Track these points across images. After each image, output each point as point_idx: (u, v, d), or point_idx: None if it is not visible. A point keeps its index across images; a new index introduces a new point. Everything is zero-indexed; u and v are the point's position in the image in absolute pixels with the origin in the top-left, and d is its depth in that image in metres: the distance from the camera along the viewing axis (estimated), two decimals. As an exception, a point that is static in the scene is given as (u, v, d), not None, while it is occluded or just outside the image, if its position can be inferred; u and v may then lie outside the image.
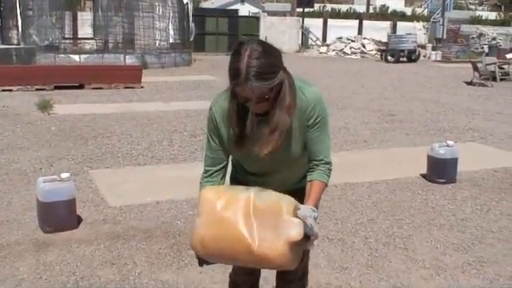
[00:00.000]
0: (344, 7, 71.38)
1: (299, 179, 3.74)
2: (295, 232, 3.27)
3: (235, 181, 3.91)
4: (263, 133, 3.37)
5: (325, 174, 3.60)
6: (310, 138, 3.53)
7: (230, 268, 4.29)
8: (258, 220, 3.30)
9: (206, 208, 3.44)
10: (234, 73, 3.14)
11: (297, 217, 3.32)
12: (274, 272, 4.19)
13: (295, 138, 3.50)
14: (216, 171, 3.69)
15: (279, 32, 48.33)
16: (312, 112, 3.45)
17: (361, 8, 63.55)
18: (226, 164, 3.73)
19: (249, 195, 3.39)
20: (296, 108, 3.38)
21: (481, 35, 51.64)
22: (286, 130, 3.37)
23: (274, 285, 4.31)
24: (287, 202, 3.38)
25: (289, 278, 4.06)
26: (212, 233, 3.38)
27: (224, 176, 3.74)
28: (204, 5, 61.36)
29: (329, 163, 3.62)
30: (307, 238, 3.31)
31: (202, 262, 3.66)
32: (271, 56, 3.18)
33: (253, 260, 3.34)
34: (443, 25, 51.51)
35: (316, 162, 3.59)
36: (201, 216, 3.46)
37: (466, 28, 54.03)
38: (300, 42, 52.12)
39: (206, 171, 3.71)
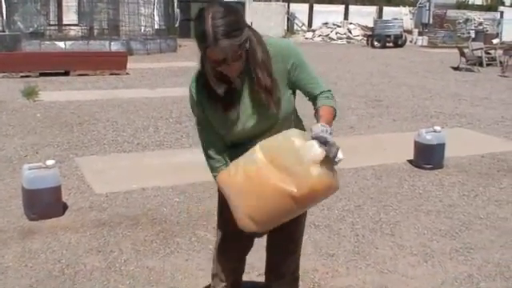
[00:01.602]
0: (330, -8, 71.36)
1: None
2: (314, 151, 3.21)
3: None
4: (253, 95, 3.43)
5: (329, 99, 3.57)
6: (299, 81, 3.54)
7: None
8: (280, 166, 3.26)
9: (231, 189, 3.44)
10: (202, 36, 3.13)
11: (311, 139, 3.26)
12: (262, 259, 4.15)
13: (282, 91, 3.49)
14: (219, 150, 3.68)
15: (265, 18, 48.24)
16: (287, 57, 3.48)
17: (347, -7, 63.52)
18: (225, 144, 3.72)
19: (257, 154, 3.36)
20: (270, 59, 3.40)
21: (467, 20, 51.70)
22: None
23: (263, 277, 4.25)
24: (292, 134, 3.36)
25: (281, 272, 4.01)
26: (252, 204, 3.35)
27: (226, 149, 3.70)
28: (190, -10, 61.18)
29: (328, 91, 3.61)
30: (330, 150, 3.24)
31: (254, 236, 3.67)
32: (234, 14, 3.19)
33: (302, 201, 3.29)
34: (429, 10, 51.67)
35: (316, 95, 3.58)
36: (230, 199, 3.45)
37: (452, 13, 54.07)
38: (286, 28, 52.10)
39: (210, 156, 3.69)
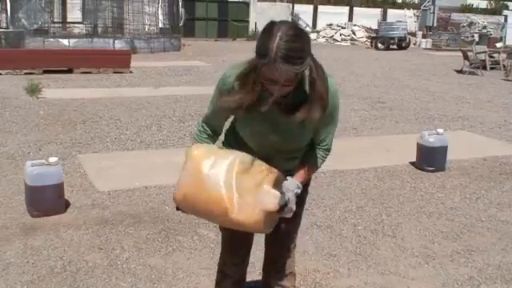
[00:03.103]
0: (334, -6, 71.31)
1: (294, 166, 3.72)
2: (272, 203, 3.36)
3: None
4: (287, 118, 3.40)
5: (321, 159, 3.68)
6: (319, 126, 3.52)
7: (218, 255, 4.26)
8: (240, 184, 3.36)
9: (193, 165, 3.50)
10: (263, 51, 3.07)
11: (279, 187, 3.43)
12: (260, 258, 4.17)
13: (309, 124, 3.47)
14: (212, 131, 3.79)
15: (269, 18, 46.61)
16: (329, 104, 3.42)
17: (351, -5, 63.46)
18: (220, 133, 3.84)
19: (235, 159, 3.44)
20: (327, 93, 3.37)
21: (471, 24, 51.69)
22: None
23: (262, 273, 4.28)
24: (271, 171, 3.47)
25: (278, 267, 4.03)
26: (194, 191, 3.44)
27: (215, 141, 3.81)
28: (194, -10, 61.18)
29: (329, 150, 3.69)
30: (283, 209, 3.42)
31: (179, 209, 3.68)
32: (302, 41, 3.11)
33: (228, 222, 3.46)
34: (434, 12, 51.55)
35: (318, 146, 3.66)
36: (187, 172, 3.52)
37: (456, 16, 54.07)
38: (290, 29, 51.90)
39: (204, 130, 3.79)
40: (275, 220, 3.56)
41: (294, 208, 3.48)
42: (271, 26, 3.12)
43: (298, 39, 3.08)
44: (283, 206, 3.40)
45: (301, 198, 3.76)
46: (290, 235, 4.01)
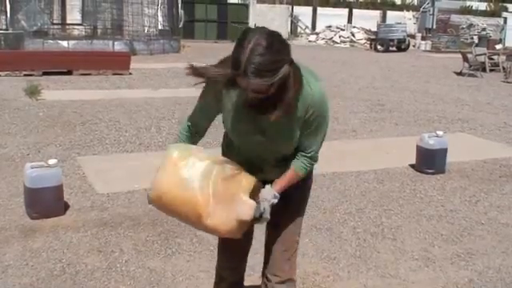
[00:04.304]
0: (334, -4, 71.39)
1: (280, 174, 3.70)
2: (246, 213, 3.41)
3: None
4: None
5: (304, 167, 3.64)
6: (304, 132, 3.49)
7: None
8: (216, 190, 3.39)
9: (170, 166, 3.49)
10: (235, 63, 3.05)
11: (255, 196, 3.46)
12: (261, 261, 4.15)
13: (292, 127, 3.45)
14: (195, 130, 3.81)
15: (268, 20, 48.25)
16: (312, 109, 3.39)
17: (351, -3, 63.54)
18: (203, 134, 3.86)
19: (214, 163, 3.46)
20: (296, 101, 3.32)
21: (471, 25, 51.70)
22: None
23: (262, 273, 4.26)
24: (248, 180, 3.48)
25: (275, 271, 3.99)
26: (170, 192, 3.44)
27: (196, 142, 3.82)
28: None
29: (313, 158, 3.64)
30: (257, 219, 3.45)
31: (151, 203, 3.68)
32: (275, 52, 3.06)
33: (201, 227, 3.50)
34: (433, 14, 51.63)
35: (302, 154, 3.61)
36: (163, 173, 3.50)
37: (456, 18, 54.08)
38: (289, 30, 52.06)
39: (188, 128, 3.81)
40: (250, 226, 3.64)
41: (269, 217, 3.49)
42: (244, 37, 3.08)
43: (269, 51, 3.03)
44: (258, 217, 3.43)
45: (298, 201, 3.80)
46: (287, 237, 3.97)
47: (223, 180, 3.41)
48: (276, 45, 3.08)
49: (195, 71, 3.36)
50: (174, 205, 3.46)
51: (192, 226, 3.70)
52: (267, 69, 3.02)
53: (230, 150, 3.74)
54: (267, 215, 3.46)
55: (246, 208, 3.40)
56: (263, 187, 3.53)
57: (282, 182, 3.60)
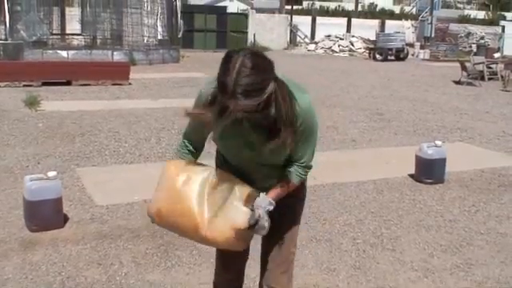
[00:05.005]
0: (332, 5, 71.63)
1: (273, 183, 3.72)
2: (241, 220, 3.44)
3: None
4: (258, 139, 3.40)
5: (298, 175, 3.66)
6: (296, 144, 3.50)
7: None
8: (211, 201, 3.46)
9: (168, 180, 3.59)
10: (221, 87, 3.10)
11: (250, 204, 3.48)
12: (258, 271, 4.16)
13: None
14: (193, 147, 3.81)
15: (267, 29, 48.40)
16: (299, 120, 3.41)
17: (349, 6, 63.89)
18: (201, 150, 3.86)
19: (209, 175, 3.54)
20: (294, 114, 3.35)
21: (469, 34, 51.66)
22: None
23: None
24: (242, 188, 3.53)
25: (271, 283, 4.01)
26: (168, 206, 3.55)
27: (196, 158, 3.84)
28: (193, 1, 61.22)
29: (308, 167, 3.67)
30: (254, 227, 3.47)
31: (154, 221, 3.75)
32: (261, 72, 3.11)
33: (199, 239, 3.56)
34: (431, 23, 51.63)
35: (296, 163, 3.63)
36: (161, 188, 3.61)
37: (454, 27, 54.01)
38: (288, 40, 52.09)
39: (186, 145, 3.82)
40: (250, 237, 3.65)
41: (267, 225, 3.48)
42: (228, 60, 3.12)
43: (255, 71, 3.07)
44: (254, 224, 3.44)
45: (292, 212, 3.81)
46: (283, 249, 3.97)
47: (219, 191, 3.48)
48: (261, 64, 3.14)
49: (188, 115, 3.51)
50: (173, 216, 3.53)
51: (192, 239, 3.75)
52: (255, 88, 3.07)
53: (223, 163, 3.79)
54: (264, 222, 3.46)
55: (240, 215, 3.44)
56: (258, 195, 3.54)
57: (277, 189, 3.63)
